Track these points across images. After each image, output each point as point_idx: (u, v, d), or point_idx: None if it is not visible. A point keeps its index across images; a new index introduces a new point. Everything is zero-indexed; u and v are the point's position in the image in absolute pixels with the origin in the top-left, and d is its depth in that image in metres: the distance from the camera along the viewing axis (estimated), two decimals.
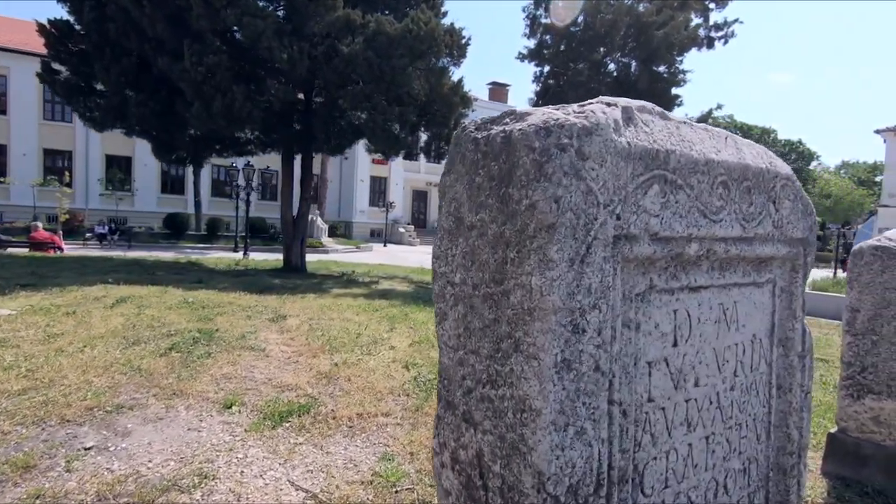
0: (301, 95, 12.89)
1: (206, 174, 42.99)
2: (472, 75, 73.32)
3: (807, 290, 2.10)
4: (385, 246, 46.18)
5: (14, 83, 38.97)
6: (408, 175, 54.68)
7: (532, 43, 15.65)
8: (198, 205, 41.66)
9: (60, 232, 25.71)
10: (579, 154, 1.31)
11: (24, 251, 18.43)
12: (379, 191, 54.84)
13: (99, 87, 12.75)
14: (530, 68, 17.79)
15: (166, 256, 18.89)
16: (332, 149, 13.99)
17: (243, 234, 41.31)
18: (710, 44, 15.64)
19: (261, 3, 11.76)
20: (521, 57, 16.19)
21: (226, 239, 36.51)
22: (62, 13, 12.95)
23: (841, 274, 24.70)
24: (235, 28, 11.35)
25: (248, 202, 29.06)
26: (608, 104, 1.42)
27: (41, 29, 12.22)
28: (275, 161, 52.80)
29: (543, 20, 15.42)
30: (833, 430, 3.96)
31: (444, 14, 13.63)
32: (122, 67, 11.60)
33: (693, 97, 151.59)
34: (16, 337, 5.27)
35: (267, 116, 11.90)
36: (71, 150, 41.52)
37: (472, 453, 1.42)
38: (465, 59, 13.11)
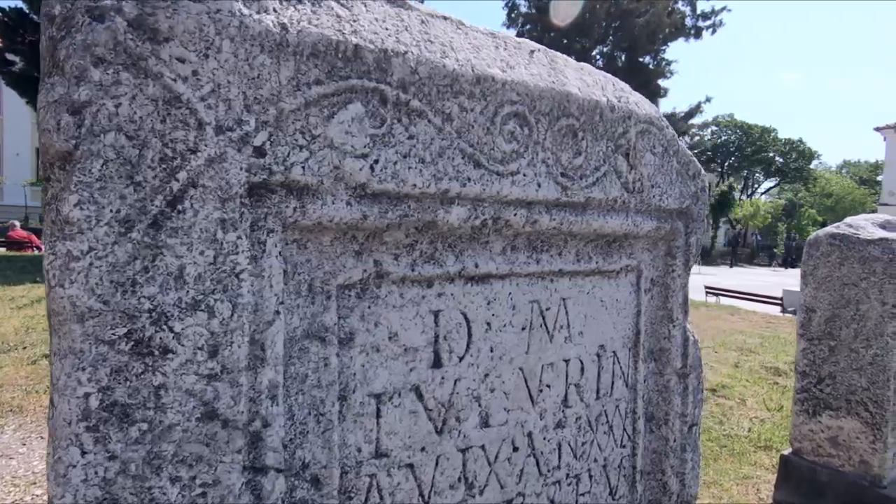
0: None
1: None
2: None
3: None
4: None
5: None
6: None
7: (512, 34, 15.07)
8: None
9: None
10: (141, 29, 0.72)
11: (1, 250, 17.93)
12: None
13: None
14: None
15: None
16: None
17: None
18: (697, 33, 15.03)
19: None
20: None
21: None
22: (17, 1, 12.43)
23: None
24: None
25: None
26: None
27: None
28: None
29: (524, 9, 14.83)
30: (787, 451, 3.37)
31: None
32: None
33: (700, 96, 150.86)
34: None
35: None
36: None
37: None
38: None
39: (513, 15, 15.11)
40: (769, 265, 40.53)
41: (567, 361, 1.30)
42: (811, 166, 60.10)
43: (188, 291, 0.76)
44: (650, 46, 13.79)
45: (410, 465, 1.04)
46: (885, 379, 2.89)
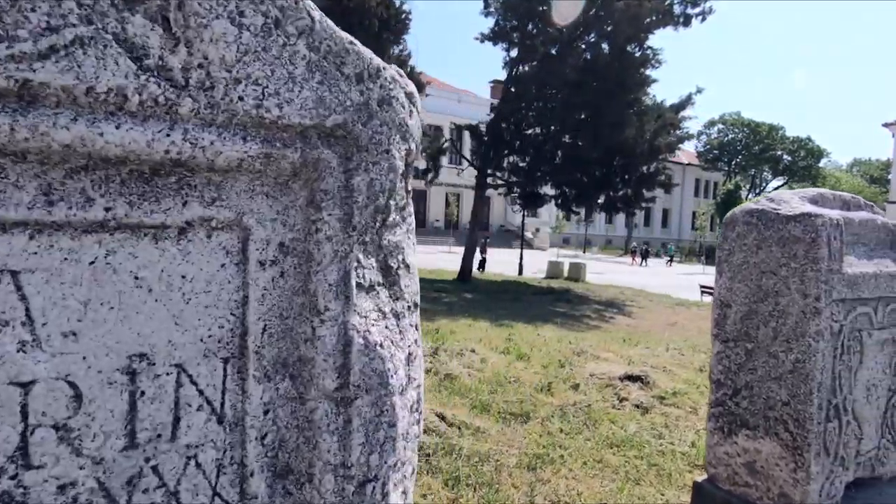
0: None
1: None
2: (473, 73, 72.08)
3: None
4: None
5: None
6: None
7: (490, 22, 14.47)
8: None
9: None
10: None
11: None
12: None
13: None
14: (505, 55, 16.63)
15: None
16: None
17: None
18: (686, 21, 14.35)
19: None
20: (482, 38, 14.99)
21: None
22: None
23: None
24: None
25: None
26: None
27: None
28: None
29: None
30: (701, 478, 2.77)
31: None
32: None
33: (707, 96, 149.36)
34: None
35: None
36: None
37: None
38: (406, 33, 11.91)
39: (488, 1, 14.51)
40: None
41: (27, 385, 0.73)
42: (820, 165, 58.92)
43: None
44: (634, 34, 13.13)
45: None
46: (808, 391, 2.29)
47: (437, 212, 59.22)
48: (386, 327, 1.03)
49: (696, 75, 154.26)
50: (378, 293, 1.02)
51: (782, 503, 2.38)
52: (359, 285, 0.97)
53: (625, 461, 3.62)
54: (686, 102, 15.43)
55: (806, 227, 2.28)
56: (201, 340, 0.86)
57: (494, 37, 14.67)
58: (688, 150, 64.71)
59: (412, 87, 1.07)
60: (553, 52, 14.79)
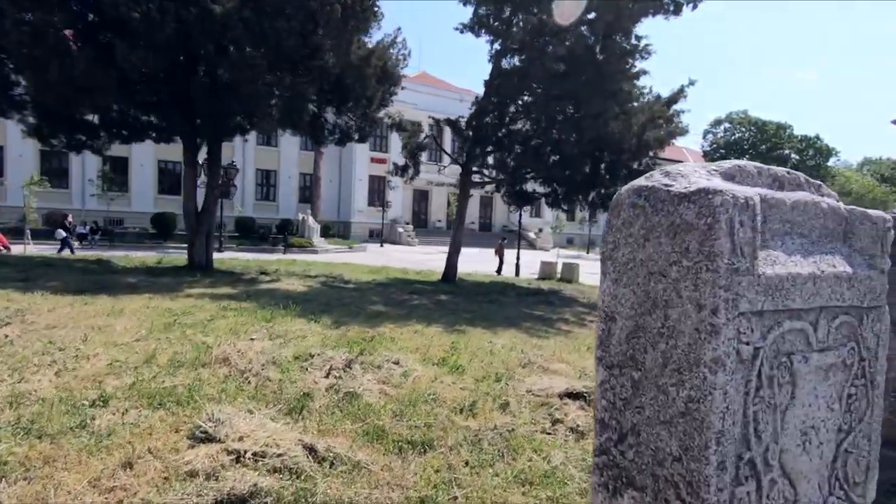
0: (183, 68, 11.12)
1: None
2: (476, 71, 71.46)
3: None
4: (381, 246, 44.63)
5: None
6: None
7: (469, 11, 13.75)
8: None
9: (29, 231, 25.86)
10: None
11: None
12: (378, 190, 53.60)
13: None
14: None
15: (112, 255, 17.52)
16: (224, 130, 12.18)
17: (234, 233, 40.29)
18: (676, 9, 13.59)
19: None
20: (461, 28, 14.28)
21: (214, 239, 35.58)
22: None
23: None
24: None
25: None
26: None
27: None
28: (267, 160, 51.37)
29: None
30: None
31: None
32: None
33: (713, 95, 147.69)
34: None
35: (140, 90, 10.21)
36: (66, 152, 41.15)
37: None
38: (378, 27, 11.27)
39: None
40: None
41: None
42: (829, 164, 57.70)
43: None
44: (617, 21, 12.37)
45: None
46: (703, 443, 1.60)
47: (439, 212, 58.51)
48: None
49: (702, 73, 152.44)
50: None
51: None
52: None
53: None
54: (678, 95, 14.65)
55: (701, 210, 1.60)
56: None
57: (474, 26, 13.97)
58: (693, 150, 63.66)
59: None
60: (537, 42, 14.07)
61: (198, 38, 9.53)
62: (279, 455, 2.91)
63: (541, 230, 57.15)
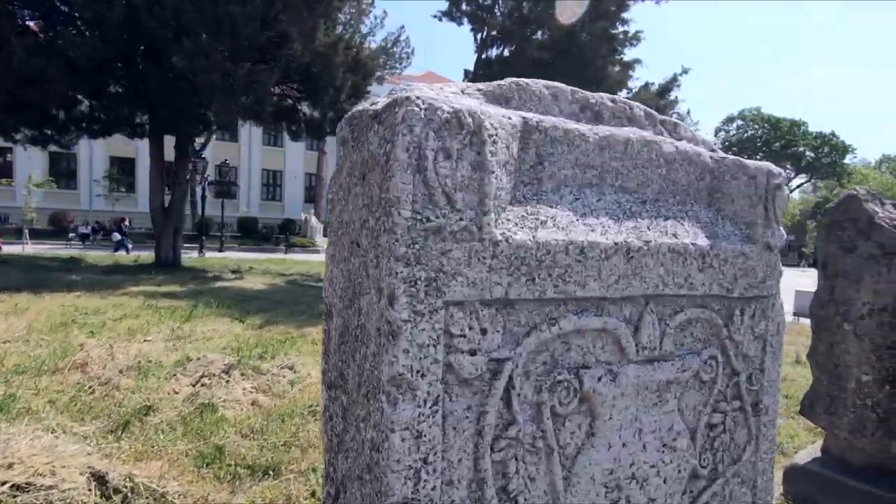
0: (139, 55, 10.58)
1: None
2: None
3: None
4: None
5: None
6: None
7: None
8: (193, 204, 41.30)
9: (27, 230, 25.81)
10: None
11: None
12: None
13: None
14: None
15: (99, 254, 17.23)
16: (187, 122, 11.58)
17: (237, 233, 40.12)
18: None
19: None
20: (440, 16, 13.63)
21: (216, 238, 35.45)
22: None
23: None
24: None
25: (203, 198, 27.72)
26: None
27: None
28: (273, 160, 51.30)
29: None
30: None
31: None
32: None
33: (726, 93, 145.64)
34: None
35: (94, 80, 9.70)
36: (75, 153, 41.30)
37: None
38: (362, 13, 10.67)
39: None
40: (797, 265, 37.07)
41: None
42: (845, 161, 56.13)
43: None
44: (606, 6, 11.65)
45: None
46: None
47: None
48: None
49: (711, 72, 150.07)
50: None
51: None
52: None
53: None
54: (671, 84, 13.89)
55: (385, 134, 0.97)
56: None
57: (452, 13, 13.33)
58: None
59: None
60: (521, 30, 13.40)
61: (148, 23, 9.02)
62: (49, 487, 2.33)
63: None
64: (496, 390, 1.04)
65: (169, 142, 12.79)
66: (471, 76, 14.84)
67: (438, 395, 0.96)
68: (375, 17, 49.97)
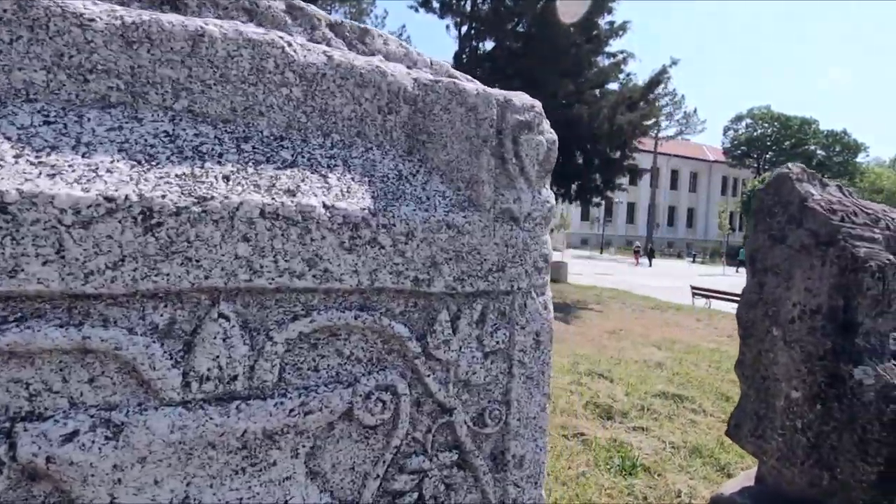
0: None
1: None
2: None
3: None
4: None
5: None
6: None
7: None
8: None
9: None
10: None
11: None
12: None
13: None
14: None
15: None
16: None
17: None
18: None
19: None
20: (415, 7, 13.12)
21: None
22: None
23: None
24: None
25: None
26: None
27: None
28: None
29: None
30: None
31: None
32: None
33: (736, 92, 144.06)
34: None
35: None
36: None
37: None
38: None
39: None
40: None
41: None
42: (858, 160, 54.94)
43: None
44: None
45: None
46: None
47: None
48: None
49: (722, 71, 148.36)
50: None
51: None
52: None
53: None
54: (660, 76, 13.26)
55: None
56: None
57: (427, 3, 12.82)
58: (714, 147, 61.36)
59: None
60: (501, 21, 12.87)
61: None
62: None
63: (552, 231, 55.58)
64: None
65: None
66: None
67: None
68: (376, 17, 49.87)
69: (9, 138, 0.65)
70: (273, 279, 0.77)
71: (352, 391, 0.85)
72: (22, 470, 0.65)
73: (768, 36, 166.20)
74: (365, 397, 0.86)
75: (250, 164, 0.79)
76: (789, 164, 2.82)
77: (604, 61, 12.80)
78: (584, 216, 56.68)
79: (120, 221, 0.67)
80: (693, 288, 14.35)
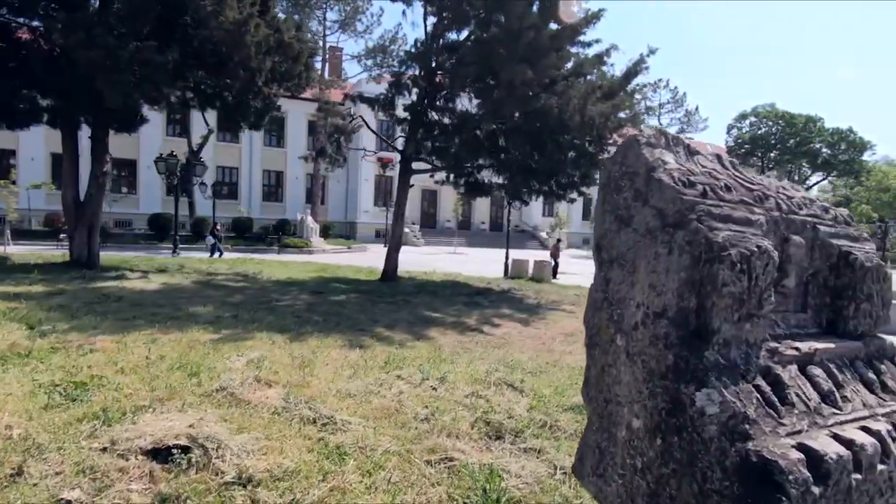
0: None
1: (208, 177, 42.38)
2: None
3: None
4: (386, 246, 43.36)
5: None
6: (416, 175, 52.76)
7: None
8: (191, 205, 41.21)
9: (9, 231, 25.84)
10: None
11: None
12: (385, 190, 52.45)
13: None
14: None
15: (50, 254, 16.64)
16: (72, 107, 10.51)
17: (231, 234, 39.62)
18: None
19: None
20: None
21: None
22: None
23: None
24: None
25: (186, 198, 27.38)
26: None
27: None
28: (274, 161, 51.18)
29: None
30: None
31: None
32: None
33: (741, 91, 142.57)
34: None
35: None
36: (78, 155, 41.26)
37: None
38: None
39: None
40: None
41: None
42: (864, 158, 53.83)
43: None
44: None
45: None
46: None
47: (450, 212, 57.01)
48: None
49: (727, 69, 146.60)
50: None
51: None
52: None
53: None
54: (637, 67, 12.58)
55: None
56: None
57: None
58: (718, 145, 60.44)
59: None
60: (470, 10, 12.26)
61: None
62: None
63: (552, 229, 54.95)
64: None
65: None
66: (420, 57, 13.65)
67: None
68: (371, 15, 49.11)
69: None
70: None
71: None
72: None
73: (775, 36, 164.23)
74: None
75: None
76: (644, 126, 2.23)
77: (547, 42, 11.99)
78: (585, 215, 55.91)
79: None
80: None
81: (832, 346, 2.21)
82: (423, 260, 23.27)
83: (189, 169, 32.08)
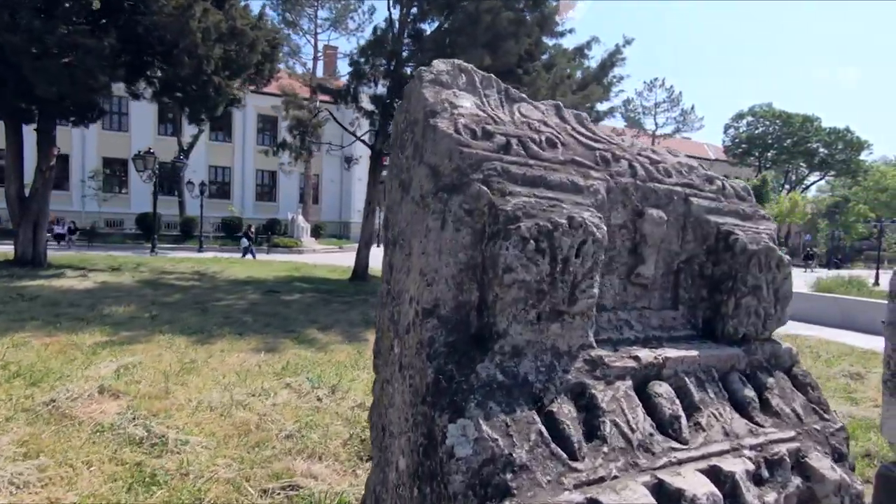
0: None
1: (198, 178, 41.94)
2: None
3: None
4: (378, 246, 42.90)
5: None
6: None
7: None
8: (181, 205, 40.77)
9: None
10: None
11: None
12: (383, 190, 52.02)
13: None
14: None
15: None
16: (32, 102, 9.99)
17: (220, 233, 39.17)
18: None
19: None
20: None
21: (196, 239, 34.68)
22: None
23: (884, 277, 18.95)
24: None
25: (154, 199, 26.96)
26: None
27: None
28: (269, 160, 50.87)
29: None
30: None
31: None
32: None
33: (740, 91, 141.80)
34: None
35: None
36: (68, 154, 40.89)
37: None
38: None
39: None
40: (805, 267, 34.02)
41: None
42: (861, 157, 53.19)
43: None
44: None
45: None
46: None
47: None
48: None
49: (724, 69, 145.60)
50: None
51: None
52: None
53: None
54: (614, 58, 12.05)
55: None
56: None
57: None
58: (715, 145, 59.69)
59: None
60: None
61: None
62: None
63: None
64: None
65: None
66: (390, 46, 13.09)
67: None
68: (363, 13, 48.52)
69: None
70: None
71: None
72: None
73: (772, 35, 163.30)
74: None
75: None
76: (436, 62, 1.69)
77: (513, 28, 11.41)
78: None
79: None
80: None
81: (694, 354, 1.65)
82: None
83: (176, 168, 31.64)
